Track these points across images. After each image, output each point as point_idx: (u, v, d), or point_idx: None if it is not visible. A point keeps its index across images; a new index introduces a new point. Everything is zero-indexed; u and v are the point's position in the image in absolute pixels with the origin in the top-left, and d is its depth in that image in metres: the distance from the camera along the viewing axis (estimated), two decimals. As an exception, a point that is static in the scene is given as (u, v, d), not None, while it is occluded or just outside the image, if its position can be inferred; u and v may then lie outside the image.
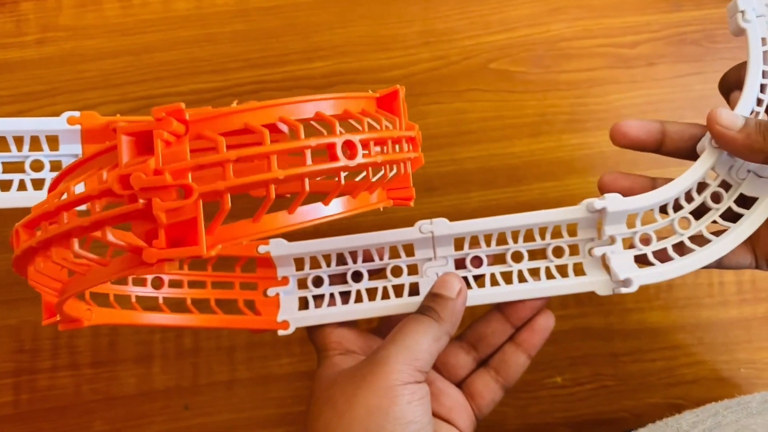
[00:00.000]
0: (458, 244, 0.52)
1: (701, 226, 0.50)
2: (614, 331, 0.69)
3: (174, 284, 0.53)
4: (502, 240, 0.52)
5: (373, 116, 0.41)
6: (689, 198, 0.50)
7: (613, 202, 0.49)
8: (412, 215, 0.63)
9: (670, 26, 0.73)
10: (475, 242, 0.52)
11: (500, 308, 0.53)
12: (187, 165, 0.33)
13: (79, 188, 0.35)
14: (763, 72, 0.49)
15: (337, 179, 0.38)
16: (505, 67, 0.73)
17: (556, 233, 0.52)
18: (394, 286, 0.53)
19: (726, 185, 0.50)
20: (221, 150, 0.33)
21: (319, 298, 0.54)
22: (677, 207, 0.50)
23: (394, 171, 0.44)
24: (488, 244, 0.52)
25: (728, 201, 0.50)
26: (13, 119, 0.54)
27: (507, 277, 0.52)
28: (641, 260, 0.51)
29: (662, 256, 0.50)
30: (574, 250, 0.53)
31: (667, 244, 0.50)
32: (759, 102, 0.49)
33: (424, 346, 0.46)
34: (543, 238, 0.52)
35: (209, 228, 0.34)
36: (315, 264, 0.54)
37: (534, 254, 0.53)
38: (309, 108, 0.37)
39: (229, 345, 0.70)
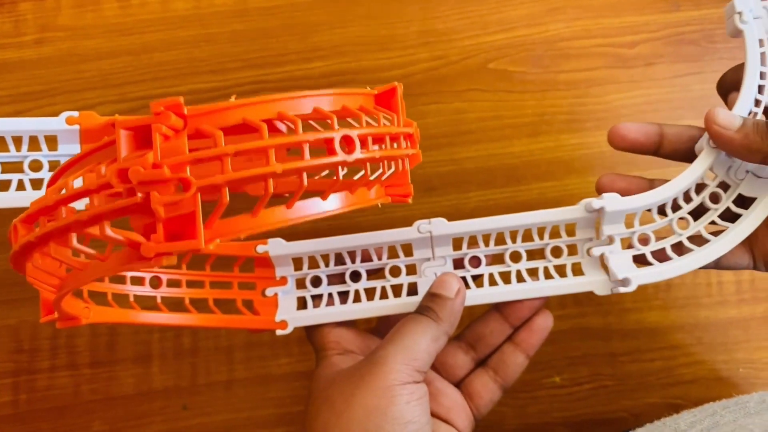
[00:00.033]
0: (457, 244, 0.52)
1: (700, 226, 0.50)
2: (613, 331, 0.69)
3: (172, 284, 0.52)
4: (500, 240, 0.52)
5: (371, 113, 0.41)
6: (688, 198, 0.50)
7: (611, 201, 0.49)
8: (411, 215, 0.63)
9: (669, 26, 0.73)
10: (473, 242, 0.52)
11: (499, 308, 0.53)
12: (186, 159, 0.33)
13: (78, 183, 0.35)
14: (761, 73, 0.50)
15: (335, 175, 0.38)
16: (504, 67, 0.73)
17: (555, 233, 0.52)
18: (392, 286, 0.53)
19: (724, 186, 0.50)
20: (219, 144, 0.33)
21: (317, 298, 0.54)
22: (676, 207, 0.51)
23: (392, 168, 0.44)
24: (487, 244, 0.52)
25: (727, 201, 0.50)
26: (11, 119, 0.54)
27: (505, 277, 0.52)
28: (640, 260, 0.51)
29: (661, 256, 0.50)
30: (572, 250, 0.53)
31: (666, 244, 0.50)
32: (757, 103, 0.49)
33: (423, 346, 0.46)
34: (541, 238, 0.52)
35: (207, 222, 0.34)
36: (313, 264, 0.54)
37: (532, 254, 0.53)
38: (307, 103, 0.38)
39: (227, 345, 0.69)
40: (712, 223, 0.50)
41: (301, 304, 0.54)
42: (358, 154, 0.37)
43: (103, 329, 0.69)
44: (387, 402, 0.43)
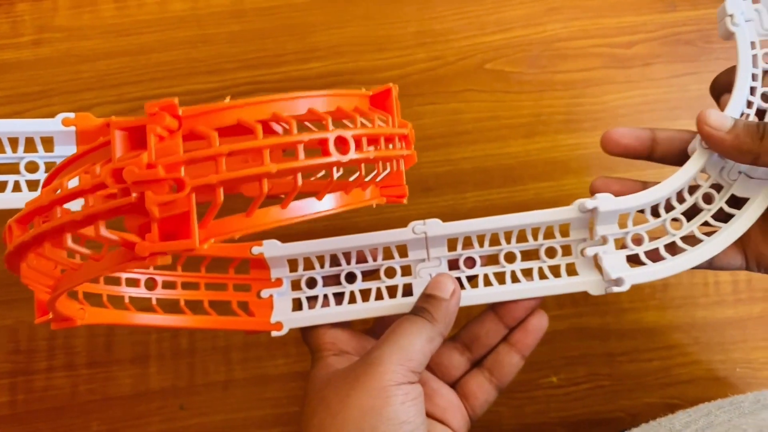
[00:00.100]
0: (452, 244, 0.52)
1: (693, 226, 0.50)
2: (610, 331, 0.70)
3: (167, 285, 0.52)
4: (495, 241, 0.53)
5: (365, 114, 0.41)
6: (681, 199, 0.51)
7: (604, 201, 0.49)
8: (407, 215, 0.63)
9: (666, 26, 0.74)
10: (468, 243, 0.53)
11: (494, 309, 0.53)
12: (180, 159, 0.33)
13: (73, 184, 0.35)
14: (752, 75, 0.50)
15: (329, 176, 0.38)
16: (501, 68, 0.73)
17: (549, 234, 0.52)
18: (387, 287, 0.53)
19: (717, 186, 0.50)
20: (214, 144, 0.33)
21: (312, 300, 0.54)
22: (669, 208, 0.51)
23: (388, 169, 0.44)
24: (481, 245, 0.52)
25: (720, 202, 0.50)
26: (7, 120, 0.54)
27: (500, 278, 0.52)
28: (633, 260, 0.51)
29: (654, 256, 0.50)
30: (566, 250, 0.53)
31: (659, 244, 0.51)
32: (748, 104, 0.50)
33: (418, 347, 0.46)
34: (536, 238, 0.52)
35: (202, 222, 0.34)
36: (308, 265, 0.54)
37: (527, 255, 0.53)
38: (302, 104, 0.38)
39: (225, 345, 0.70)
40: (706, 224, 0.50)
41: (297, 305, 0.54)
42: (352, 154, 0.37)
43: (101, 330, 0.69)
44: (382, 402, 0.43)
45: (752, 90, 0.50)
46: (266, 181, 0.35)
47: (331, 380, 0.47)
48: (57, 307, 0.40)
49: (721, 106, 0.50)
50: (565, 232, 0.52)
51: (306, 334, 0.53)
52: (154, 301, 0.51)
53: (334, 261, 0.54)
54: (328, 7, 0.74)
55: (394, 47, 0.73)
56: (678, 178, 0.50)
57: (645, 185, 0.51)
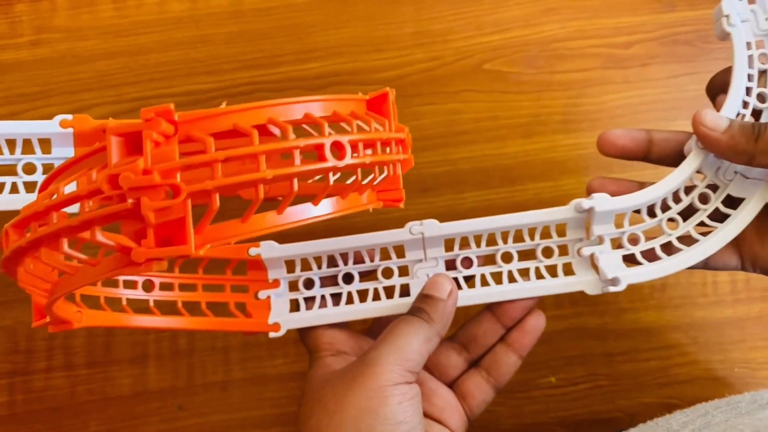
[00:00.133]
0: (449, 245, 0.53)
1: (689, 226, 0.51)
2: (608, 331, 0.70)
3: (165, 287, 0.53)
4: (491, 241, 0.53)
5: (362, 118, 0.41)
6: (677, 199, 0.51)
7: (600, 201, 0.49)
8: (406, 216, 0.63)
9: (664, 27, 0.74)
10: (465, 243, 0.53)
11: (491, 309, 0.53)
12: (176, 165, 0.33)
13: (69, 189, 0.35)
14: (748, 75, 0.50)
15: (326, 180, 0.38)
16: (499, 68, 0.73)
17: (546, 234, 0.52)
18: (385, 288, 0.53)
19: (713, 186, 0.51)
20: (210, 150, 0.34)
21: (310, 300, 0.54)
22: (665, 207, 0.51)
23: (385, 173, 0.44)
24: (478, 245, 0.53)
25: (716, 202, 0.50)
26: (5, 122, 0.54)
27: (497, 278, 0.52)
28: (629, 260, 0.51)
29: (650, 256, 0.51)
30: (563, 250, 0.53)
31: (655, 244, 0.51)
32: (744, 105, 0.50)
33: (415, 347, 0.46)
34: (532, 238, 0.52)
35: (198, 228, 0.35)
36: (306, 266, 0.54)
37: (524, 255, 0.53)
38: (298, 109, 0.38)
39: (223, 345, 0.70)
40: (702, 224, 0.51)
41: (294, 306, 0.54)
42: (348, 159, 0.37)
43: (100, 330, 0.69)
44: (379, 402, 0.44)
45: (748, 90, 0.50)
46: (261, 186, 0.35)
47: (329, 380, 0.47)
48: (54, 311, 0.40)
49: (717, 107, 0.51)
50: (561, 232, 0.52)
51: (303, 334, 0.53)
52: (151, 303, 0.51)
53: (332, 262, 0.54)
54: (327, 7, 0.74)
55: (393, 48, 0.73)
56: (674, 178, 0.50)
57: (641, 186, 0.51)
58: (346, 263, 0.54)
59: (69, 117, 0.54)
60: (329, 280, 0.54)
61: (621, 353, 0.69)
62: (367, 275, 0.54)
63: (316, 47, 0.73)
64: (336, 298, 0.54)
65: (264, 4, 0.74)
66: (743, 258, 0.51)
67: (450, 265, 0.53)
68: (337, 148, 0.37)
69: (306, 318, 0.53)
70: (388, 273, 0.53)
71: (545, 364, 0.69)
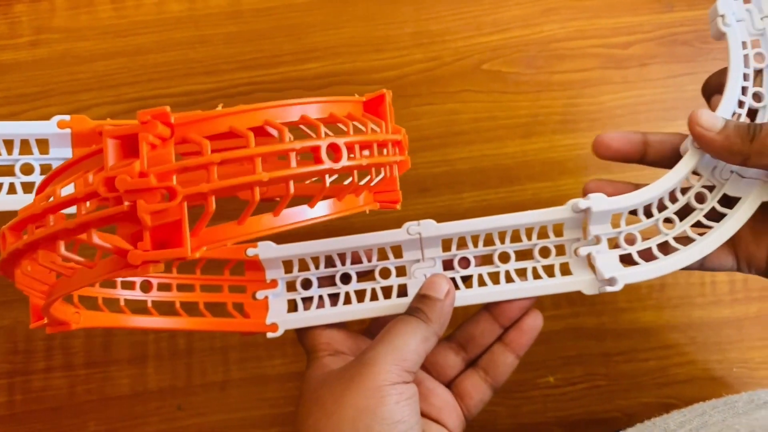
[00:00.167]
0: (446, 245, 0.53)
1: (685, 226, 0.51)
2: (607, 331, 0.70)
3: (163, 287, 0.53)
4: (489, 241, 0.53)
5: (359, 120, 0.41)
6: (673, 198, 0.51)
7: (597, 202, 0.50)
8: (404, 216, 0.63)
9: (663, 27, 0.74)
10: (462, 243, 0.53)
11: (489, 309, 0.53)
12: (172, 167, 0.33)
13: (67, 191, 0.36)
14: (744, 74, 0.50)
15: (322, 182, 0.38)
16: (498, 68, 0.73)
17: (543, 234, 0.53)
18: (382, 288, 0.53)
19: (710, 186, 0.51)
20: (206, 153, 0.34)
21: (308, 301, 0.54)
22: (661, 207, 0.51)
23: (381, 174, 0.44)
24: (475, 245, 0.53)
25: (712, 201, 0.50)
26: (2, 123, 0.54)
27: (494, 278, 0.53)
28: (626, 260, 0.51)
29: (647, 255, 0.51)
30: (560, 250, 0.53)
31: (652, 243, 0.51)
32: (740, 104, 0.50)
33: (412, 347, 0.46)
34: (530, 238, 0.53)
35: (194, 230, 0.35)
36: (303, 266, 0.54)
37: (521, 255, 0.53)
38: (294, 111, 0.38)
39: (222, 346, 0.70)
40: (698, 223, 0.51)
41: (292, 306, 0.54)
42: (344, 161, 0.37)
43: (99, 330, 0.69)
44: (376, 402, 0.44)
45: (744, 90, 0.50)
46: (257, 188, 0.35)
47: (326, 380, 0.47)
48: (52, 312, 0.40)
49: (712, 108, 0.51)
50: (558, 232, 0.53)
51: (301, 334, 0.53)
52: (149, 304, 0.52)
53: (329, 262, 0.54)
54: (326, 7, 0.74)
55: (392, 48, 0.73)
56: (670, 178, 0.50)
57: (638, 188, 0.52)
58: (343, 263, 0.54)
59: (67, 118, 0.54)
60: (327, 281, 0.54)
61: (619, 353, 0.69)
62: (365, 275, 0.55)
63: (316, 47, 0.73)
64: (334, 298, 0.54)
65: (263, 4, 0.74)
66: (739, 259, 0.51)
67: (447, 265, 0.53)
68: (334, 150, 0.37)
69: (304, 318, 0.53)
70: (385, 273, 0.54)
71: (543, 364, 0.69)
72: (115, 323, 0.48)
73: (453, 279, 0.52)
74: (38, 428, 0.68)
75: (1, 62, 0.73)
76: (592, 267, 0.51)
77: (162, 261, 0.34)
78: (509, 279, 0.52)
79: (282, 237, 0.51)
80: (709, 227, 0.50)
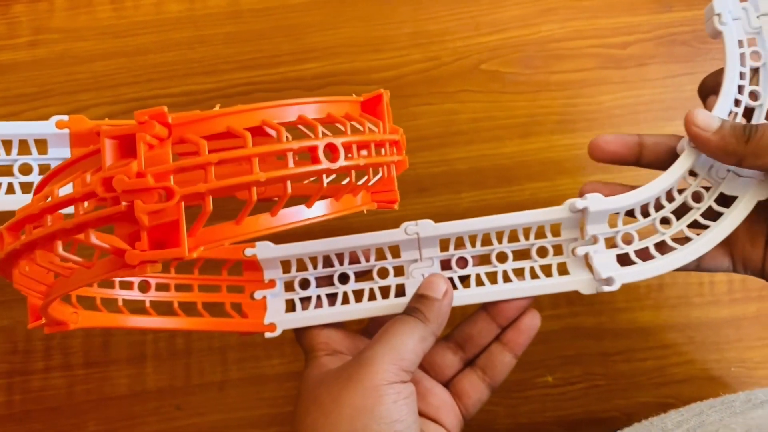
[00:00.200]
0: (444, 245, 0.53)
1: (682, 225, 0.51)
2: (605, 331, 0.70)
3: (161, 288, 0.53)
4: (486, 241, 0.53)
5: (356, 120, 0.42)
6: (670, 198, 0.51)
7: (594, 201, 0.50)
8: (403, 216, 0.63)
9: (661, 27, 0.74)
10: (460, 243, 0.53)
11: (486, 308, 0.53)
12: (169, 168, 0.33)
13: (64, 191, 0.36)
14: (740, 73, 0.50)
15: (320, 181, 0.39)
16: (496, 68, 0.73)
17: (541, 234, 0.53)
18: (380, 288, 0.53)
19: (707, 185, 0.51)
20: (203, 153, 0.34)
21: (306, 301, 0.54)
22: (658, 207, 0.51)
23: (379, 174, 0.44)
24: (473, 245, 0.53)
25: (709, 200, 0.50)
26: (1, 123, 0.54)
27: (492, 278, 0.53)
28: (624, 259, 0.51)
29: (644, 255, 0.51)
30: (558, 250, 0.53)
31: (649, 243, 0.51)
32: (737, 103, 0.50)
33: (410, 346, 0.46)
34: (527, 238, 0.53)
35: (191, 230, 0.35)
36: (301, 266, 0.54)
37: (519, 254, 0.53)
38: (292, 111, 0.38)
39: (221, 345, 0.70)
40: (695, 222, 0.51)
41: (290, 306, 0.54)
42: (342, 161, 0.37)
43: (97, 330, 0.69)
44: (374, 401, 0.44)
45: (740, 88, 0.50)
46: (255, 188, 0.35)
47: (324, 380, 0.47)
48: (50, 312, 0.40)
49: (708, 108, 0.51)
50: (556, 232, 0.53)
51: (299, 334, 0.53)
52: (147, 304, 0.51)
53: (327, 262, 0.54)
54: (324, 8, 0.74)
55: (390, 48, 0.74)
56: (666, 177, 0.50)
57: (633, 189, 0.52)
58: (341, 263, 0.54)
59: (65, 118, 0.54)
60: (325, 281, 0.54)
61: (618, 353, 0.69)
62: (363, 275, 0.55)
63: (314, 47, 0.74)
64: (332, 298, 0.54)
65: (262, 4, 0.74)
66: (735, 260, 0.51)
67: (445, 265, 0.53)
68: (331, 150, 0.37)
69: (302, 318, 0.53)
70: (383, 273, 0.54)
71: (542, 363, 0.69)
72: (113, 323, 0.48)
73: (451, 279, 0.52)
74: (37, 428, 0.68)
75: (0, 62, 0.73)
76: (590, 267, 0.51)
77: (159, 261, 0.34)
78: (507, 279, 0.52)
79: (280, 237, 0.51)
80: (706, 226, 0.50)
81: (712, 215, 0.50)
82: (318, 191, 0.39)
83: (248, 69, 0.73)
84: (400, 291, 0.53)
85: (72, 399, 0.69)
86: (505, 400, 0.69)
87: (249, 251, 0.53)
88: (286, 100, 0.38)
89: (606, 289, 0.50)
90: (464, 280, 0.53)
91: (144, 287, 0.52)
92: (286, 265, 0.54)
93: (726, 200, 0.50)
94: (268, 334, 0.53)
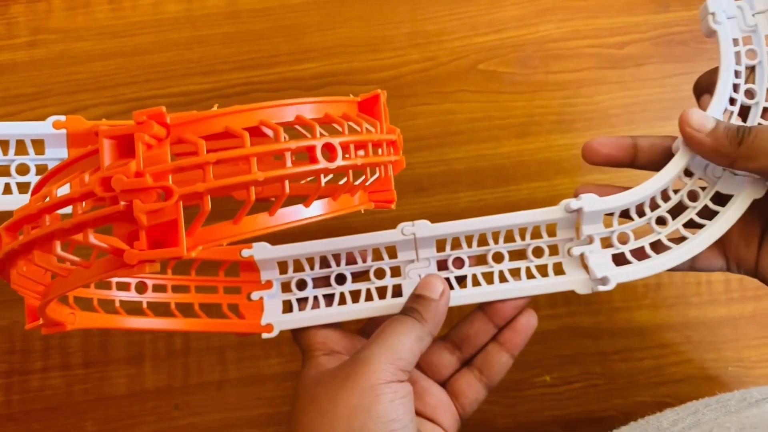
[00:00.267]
0: (440, 245, 0.53)
1: (678, 224, 0.51)
2: (603, 330, 0.70)
3: (158, 289, 0.53)
4: (483, 241, 0.53)
5: (353, 120, 0.42)
6: (666, 197, 0.51)
7: (588, 202, 0.50)
8: (400, 215, 0.63)
9: (658, 27, 0.74)
10: (456, 243, 0.53)
11: (483, 308, 0.53)
12: (168, 167, 0.34)
13: (62, 191, 0.36)
14: (736, 72, 0.50)
15: (317, 181, 0.39)
16: (494, 68, 0.73)
17: (537, 234, 0.53)
18: (377, 288, 0.54)
19: (702, 184, 0.51)
20: (201, 152, 0.34)
21: (303, 301, 0.54)
22: (654, 206, 0.51)
23: (376, 174, 0.44)
24: (469, 246, 0.53)
25: (704, 199, 0.50)
26: (-2, 123, 0.54)
27: (488, 278, 0.53)
28: (619, 259, 0.51)
29: (640, 254, 0.51)
30: (553, 250, 0.53)
31: (645, 242, 0.51)
32: (732, 101, 0.50)
33: (407, 346, 0.46)
34: (523, 238, 0.53)
35: (190, 229, 0.35)
36: (298, 267, 0.54)
37: (515, 255, 0.53)
38: (289, 111, 0.38)
39: (219, 345, 0.70)
40: (691, 221, 0.51)
41: (287, 307, 0.54)
42: (339, 161, 0.37)
43: (96, 330, 0.69)
44: (371, 401, 0.44)
45: (735, 87, 0.50)
46: (253, 188, 0.35)
47: (322, 379, 0.47)
48: (47, 313, 0.40)
49: (702, 107, 0.51)
50: (552, 232, 0.53)
51: (297, 334, 0.53)
52: (144, 305, 0.51)
53: (324, 263, 0.54)
54: (323, 8, 0.74)
55: (388, 48, 0.74)
56: (661, 177, 0.50)
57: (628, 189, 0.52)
58: (338, 264, 0.54)
59: (62, 118, 0.54)
60: (322, 281, 0.55)
61: (615, 352, 0.69)
62: (360, 276, 0.55)
63: (312, 48, 0.74)
64: (329, 298, 0.54)
65: (260, 4, 0.74)
66: (728, 259, 0.52)
67: (442, 265, 0.53)
68: (329, 150, 0.37)
69: (299, 319, 0.53)
70: (380, 273, 0.54)
71: (540, 363, 0.69)
72: (110, 324, 0.48)
73: (447, 279, 0.52)
74: (36, 428, 0.69)
75: (-2, 63, 0.73)
76: (585, 267, 0.51)
77: (158, 260, 0.34)
78: (503, 279, 0.53)
79: (277, 237, 0.51)
80: (702, 225, 0.50)
81: (707, 214, 0.50)
82: (316, 191, 0.39)
83: (246, 69, 0.73)
84: (397, 291, 0.53)
85: (70, 399, 0.69)
86: (503, 399, 0.69)
87: (246, 252, 0.53)
88: (284, 100, 0.38)
89: (601, 288, 0.50)
90: (461, 280, 0.53)
91: (141, 288, 0.52)
92: (282, 266, 0.54)
93: (722, 199, 0.50)
94: (265, 335, 0.53)
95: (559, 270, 0.52)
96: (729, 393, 0.56)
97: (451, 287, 0.52)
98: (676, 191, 0.51)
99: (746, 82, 0.50)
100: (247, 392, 0.69)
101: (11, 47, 0.73)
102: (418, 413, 0.50)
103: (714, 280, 0.70)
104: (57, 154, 0.54)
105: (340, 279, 0.54)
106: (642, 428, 0.55)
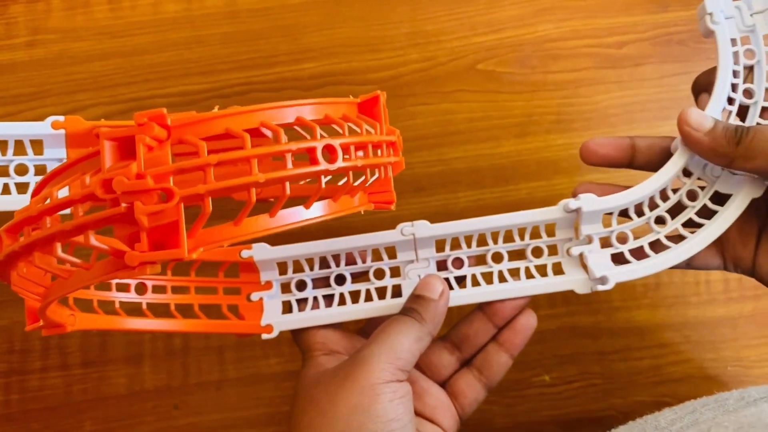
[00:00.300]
0: (440, 245, 0.53)
1: (677, 224, 0.51)
2: (602, 330, 0.70)
3: (157, 290, 0.53)
4: (482, 241, 0.53)
5: (353, 121, 0.42)
6: (665, 197, 0.51)
7: (587, 202, 0.50)
8: (400, 216, 0.63)
9: (657, 27, 0.74)
10: (456, 244, 0.53)
11: (482, 308, 0.53)
12: (169, 169, 0.34)
13: (63, 193, 0.36)
14: (734, 72, 0.50)
15: (317, 182, 0.39)
16: (493, 68, 0.73)
17: (536, 234, 0.53)
18: (377, 289, 0.54)
19: (702, 184, 0.51)
20: (202, 154, 0.34)
21: (302, 302, 0.54)
22: (653, 206, 0.51)
23: (376, 175, 0.44)
24: (469, 246, 0.53)
25: (704, 198, 0.51)
26: (-3, 123, 0.54)
27: (488, 278, 0.53)
28: (618, 259, 0.51)
29: (639, 254, 0.51)
30: (552, 250, 0.53)
31: (644, 242, 0.51)
32: (730, 101, 0.50)
33: (406, 346, 0.46)
34: (522, 238, 0.53)
35: (191, 231, 0.35)
36: (298, 268, 0.54)
37: (514, 255, 0.53)
38: (290, 113, 0.38)
39: (218, 345, 0.70)
40: (690, 221, 0.51)
41: (287, 307, 0.54)
42: (340, 162, 0.37)
43: (95, 330, 0.69)
44: (370, 400, 0.44)
45: (734, 87, 0.50)
46: (254, 189, 0.35)
47: (321, 379, 0.47)
48: (47, 315, 0.40)
49: (700, 107, 0.51)
50: (551, 232, 0.53)
51: (296, 334, 0.53)
52: (144, 306, 0.51)
53: (324, 263, 0.54)
54: (322, 8, 0.74)
55: (387, 48, 0.74)
56: (660, 176, 0.50)
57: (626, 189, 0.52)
58: (338, 265, 0.54)
59: (61, 118, 0.54)
60: (321, 282, 0.55)
61: (614, 352, 0.70)
62: (359, 276, 0.55)
63: (311, 47, 0.74)
64: (328, 299, 0.54)
65: (259, 4, 0.74)
66: (726, 259, 0.52)
67: (441, 265, 0.54)
68: (329, 151, 0.37)
69: (298, 319, 0.53)
70: (379, 274, 0.54)
71: (539, 363, 0.69)
72: (110, 325, 0.48)
73: (447, 279, 0.52)
74: (35, 428, 0.69)
75: (-3, 63, 0.73)
76: (584, 266, 0.51)
77: (159, 262, 0.34)
78: (502, 279, 0.53)
79: (277, 238, 0.51)
80: (701, 225, 0.50)
81: (706, 213, 0.50)
82: (316, 192, 0.39)
83: (245, 69, 0.73)
84: (397, 292, 0.53)
85: (69, 398, 0.69)
86: (502, 399, 0.69)
87: (245, 253, 0.53)
88: (284, 101, 0.38)
89: (600, 288, 0.50)
90: (460, 280, 0.53)
91: (141, 289, 0.52)
92: (282, 267, 0.54)
93: (721, 198, 0.50)
94: (264, 336, 0.53)
95: (558, 270, 0.52)
96: (727, 392, 0.56)
97: (451, 287, 0.52)
98: (674, 191, 0.51)
99: (744, 81, 0.50)
100: (247, 392, 0.69)
101: (10, 47, 0.73)
102: (418, 413, 0.50)
103: (713, 279, 0.70)
104: (56, 154, 0.54)
105: (340, 279, 0.54)
106: (640, 428, 0.55)
